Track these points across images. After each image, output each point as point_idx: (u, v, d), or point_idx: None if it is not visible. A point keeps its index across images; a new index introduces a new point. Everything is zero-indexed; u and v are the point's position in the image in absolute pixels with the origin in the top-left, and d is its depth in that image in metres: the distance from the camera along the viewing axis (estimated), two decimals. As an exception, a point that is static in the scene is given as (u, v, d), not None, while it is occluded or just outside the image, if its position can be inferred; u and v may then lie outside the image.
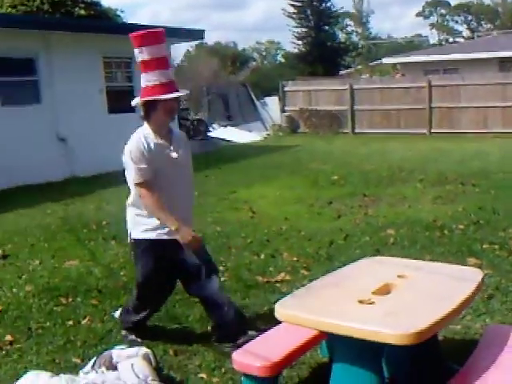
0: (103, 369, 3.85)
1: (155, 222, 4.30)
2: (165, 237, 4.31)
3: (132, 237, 4.48)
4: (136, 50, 4.31)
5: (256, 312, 5.08)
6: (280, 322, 3.34)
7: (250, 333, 4.32)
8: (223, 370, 4.09)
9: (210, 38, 64.25)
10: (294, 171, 13.37)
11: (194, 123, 21.24)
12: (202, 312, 5.05)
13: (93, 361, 3.96)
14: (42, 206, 10.32)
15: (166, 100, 4.24)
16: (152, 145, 4.31)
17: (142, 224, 4.37)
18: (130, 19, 38.80)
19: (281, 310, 3.22)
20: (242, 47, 56.16)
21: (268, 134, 24.30)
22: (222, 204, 9.88)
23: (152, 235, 4.34)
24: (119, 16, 31.24)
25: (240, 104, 27.13)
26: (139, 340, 4.55)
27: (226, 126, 24.41)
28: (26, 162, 13.32)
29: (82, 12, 25.26)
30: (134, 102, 4.45)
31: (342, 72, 37.10)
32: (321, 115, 23.29)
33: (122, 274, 6.29)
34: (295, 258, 6.57)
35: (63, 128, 14.66)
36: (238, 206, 9.61)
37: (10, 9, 25.13)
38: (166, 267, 4.42)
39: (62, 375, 3.76)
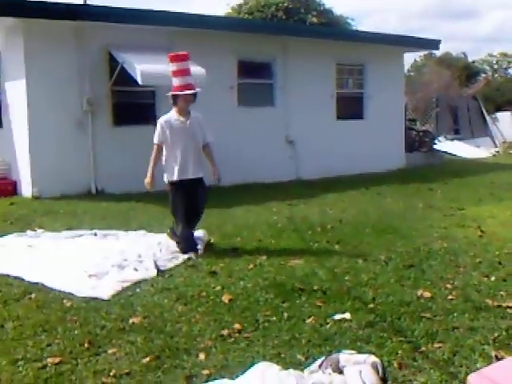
0: (329, 370, 3.87)
1: (174, 170, 7.21)
2: (175, 179, 7.25)
3: (164, 180, 7.32)
4: (170, 64, 7.26)
5: (485, 336, 4.81)
6: (510, 350, 3.14)
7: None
8: (449, 391, 3.93)
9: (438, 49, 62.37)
10: (526, 192, 12.59)
11: (419, 134, 20.81)
12: (428, 328, 4.92)
13: (320, 361, 3.99)
14: (268, 205, 10.73)
15: (183, 95, 7.13)
16: (173, 120, 7.25)
17: (168, 171, 7.28)
18: (359, 27, 38.86)
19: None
20: (471, 59, 53.90)
21: (497, 151, 23.17)
22: (448, 220, 9.55)
23: (172, 178, 7.25)
24: (349, 24, 31.55)
25: (470, 118, 26.13)
26: (195, 257, 7.10)
27: (452, 140, 23.65)
28: (257, 161, 13.97)
29: (314, 20, 25.83)
30: (167, 94, 7.30)
31: None
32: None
33: (346, 278, 6.31)
34: (529, 285, 6.15)
35: (292, 131, 15.13)
36: (465, 224, 9.23)
37: (246, 15, 26.38)
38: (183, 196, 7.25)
39: (290, 371, 3.83)
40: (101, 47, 12.36)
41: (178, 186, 7.28)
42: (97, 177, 12.32)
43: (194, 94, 7.28)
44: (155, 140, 7.26)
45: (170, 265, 6.85)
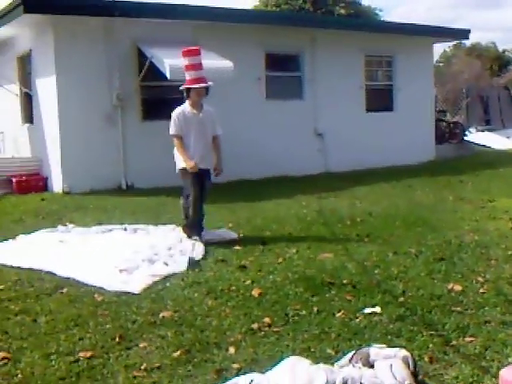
0: (360, 364, 3.86)
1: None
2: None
3: (177, 167, 7.65)
4: (182, 58, 7.58)
5: (518, 330, 4.76)
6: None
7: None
8: (481, 385, 3.89)
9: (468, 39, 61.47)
10: (561, 184, 12.40)
11: (450, 126, 20.61)
12: (459, 321, 4.88)
13: (350, 355, 3.98)
14: (298, 198, 10.73)
15: (195, 88, 7.44)
16: (186, 112, 7.56)
17: (179, 159, 7.61)
18: (387, 18, 38.52)
19: None
20: (501, 48, 53.07)
21: (529, 142, 22.81)
22: (479, 212, 9.45)
23: (184, 165, 7.51)
24: (377, 15, 31.30)
25: (500, 108, 25.77)
26: (199, 239, 7.45)
27: (483, 131, 23.36)
28: (284, 154, 13.94)
29: (342, 11, 25.68)
30: (181, 88, 7.61)
31: None
32: None
33: (376, 272, 6.28)
34: None
35: (321, 124, 15.07)
36: (496, 216, 9.12)
37: (274, 7, 26.32)
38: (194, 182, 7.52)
39: (320, 365, 3.82)
40: (130, 42, 12.43)
41: (191, 172, 7.53)
42: (127, 172, 12.41)
43: (207, 88, 7.58)
44: (171, 131, 7.56)
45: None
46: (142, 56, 12.37)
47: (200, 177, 7.57)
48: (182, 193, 7.91)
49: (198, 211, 7.63)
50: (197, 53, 7.59)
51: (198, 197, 7.57)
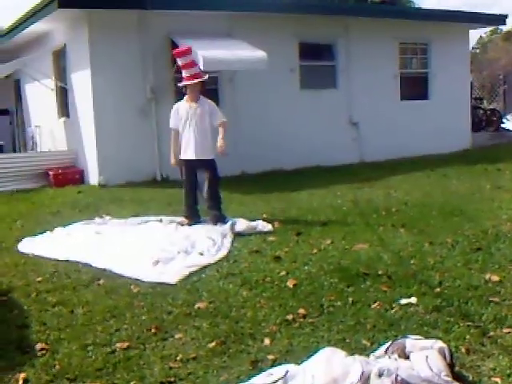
0: (395, 356, 3.83)
1: (182, 150, 8.04)
2: (181, 157, 8.12)
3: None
4: (177, 59, 8.15)
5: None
6: None
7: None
8: (520, 377, 3.83)
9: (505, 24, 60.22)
10: None
11: (486, 113, 20.30)
12: (497, 312, 4.81)
13: (386, 346, 3.96)
14: (332, 188, 10.68)
15: (191, 84, 7.92)
16: (182, 106, 8.07)
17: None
18: (420, 4, 37.90)
19: None
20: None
21: None
22: (518, 201, 9.31)
23: (183, 156, 8.07)
24: (411, 1, 30.85)
25: (539, 95, 25.29)
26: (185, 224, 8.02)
27: (521, 118, 22.97)
28: (318, 144, 13.90)
29: (375, -1, 25.44)
30: (180, 84, 8.22)
31: None
32: None
33: (411, 262, 6.22)
34: None
35: (356, 113, 14.99)
36: (535, 205, 8.98)
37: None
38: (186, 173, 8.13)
39: (356, 356, 3.80)
40: (163, 35, 12.47)
41: (185, 163, 8.11)
42: (161, 164, 12.47)
43: (202, 82, 8.13)
44: (170, 125, 8.19)
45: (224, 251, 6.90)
46: (175, 48, 12.40)
47: (192, 169, 8.08)
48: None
49: (188, 198, 8.20)
50: (188, 52, 8.13)
51: (190, 188, 8.16)
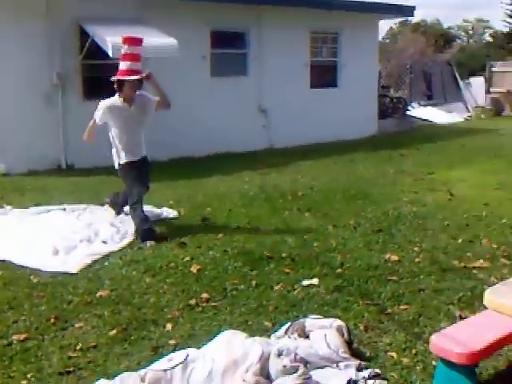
0: (296, 335, 3.89)
1: (123, 154, 6.92)
2: (124, 161, 6.94)
3: (115, 164, 7.10)
4: (123, 46, 6.76)
5: (450, 296, 4.86)
6: (474, 310, 3.16)
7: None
8: (414, 351, 3.96)
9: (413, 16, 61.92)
10: (496, 155, 12.65)
11: (393, 101, 20.82)
12: (395, 290, 4.97)
13: (286, 326, 4.02)
14: (240, 174, 10.70)
15: (131, 81, 6.68)
16: (117, 106, 6.78)
17: (117, 156, 7.02)
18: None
19: (491, 297, 3.04)
20: (447, 25, 53.86)
21: (469, 116, 23.26)
22: (418, 184, 9.60)
23: (122, 161, 6.95)
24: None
25: (443, 84, 26.14)
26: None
27: (425, 106, 23.69)
28: (228, 131, 13.88)
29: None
30: (112, 78, 6.75)
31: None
32: (530, 99, 21.90)
33: (315, 245, 6.33)
34: (495, 246, 6.21)
35: (266, 100, 15.04)
36: (435, 188, 9.29)
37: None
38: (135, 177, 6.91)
39: (256, 338, 3.84)
40: (71, 20, 12.12)
41: (128, 167, 6.96)
42: (66, 152, 12.15)
43: (141, 81, 6.86)
44: (97, 119, 6.96)
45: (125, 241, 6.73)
46: (84, 34, 12.09)
47: (138, 169, 6.99)
48: (125, 192, 7.31)
49: (141, 204, 7.01)
50: (139, 43, 6.87)
51: (141, 189, 6.96)
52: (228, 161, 12.33)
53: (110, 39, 10.99)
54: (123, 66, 6.72)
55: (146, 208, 7.25)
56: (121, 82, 6.73)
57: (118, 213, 7.61)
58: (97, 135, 7.51)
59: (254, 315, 4.61)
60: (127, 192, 7.17)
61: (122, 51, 6.80)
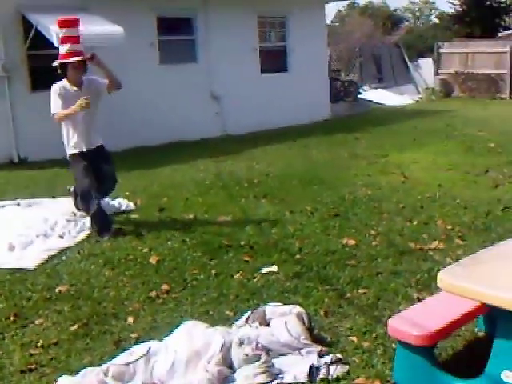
0: (256, 324, 3.93)
1: (75, 143, 6.64)
2: (76, 151, 6.64)
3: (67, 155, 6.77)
4: (60, 29, 6.61)
5: (408, 279, 4.96)
6: (431, 291, 3.22)
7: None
8: (374, 334, 4.03)
9: (361, -2, 62.34)
10: (447, 137, 12.87)
11: (344, 84, 20.96)
12: (353, 274, 5.04)
13: (247, 315, 4.05)
14: (195, 163, 10.68)
15: (73, 62, 6.43)
16: (66, 90, 6.52)
17: (67, 145, 6.70)
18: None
19: (445, 278, 3.11)
20: (394, 8, 54.35)
21: (420, 98, 23.57)
22: (372, 167, 9.73)
23: (73, 151, 6.66)
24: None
25: (392, 66, 26.41)
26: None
27: (376, 89, 23.93)
28: (181, 119, 13.81)
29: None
30: (54, 63, 6.55)
31: (501, 34, 35.00)
32: (477, 79, 22.26)
33: (272, 231, 6.38)
34: (450, 227, 6.34)
35: (217, 87, 14.98)
36: (389, 170, 9.43)
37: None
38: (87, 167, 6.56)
39: (217, 327, 3.86)
40: (13, 8, 11.86)
41: (80, 158, 6.64)
42: (18, 145, 11.94)
43: (85, 62, 6.54)
44: (53, 110, 6.57)
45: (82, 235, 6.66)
46: (27, 23, 11.84)
47: (88, 160, 6.62)
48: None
49: (97, 197, 6.61)
50: (75, 24, 6.58)
51: (91, 185, 6.53)
52: (182, 149, 12.28)
53: (54, 28, 10.79)
54: (63, 49, 6.49)
55: (102, 201, 7.17)
56: (63, 66, 6.51)
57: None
58: (49, 126, 7.41)
59: (214, 305, 4.63)
60: (76, 186, 6.89)
61: (61, 35, 6.61)
